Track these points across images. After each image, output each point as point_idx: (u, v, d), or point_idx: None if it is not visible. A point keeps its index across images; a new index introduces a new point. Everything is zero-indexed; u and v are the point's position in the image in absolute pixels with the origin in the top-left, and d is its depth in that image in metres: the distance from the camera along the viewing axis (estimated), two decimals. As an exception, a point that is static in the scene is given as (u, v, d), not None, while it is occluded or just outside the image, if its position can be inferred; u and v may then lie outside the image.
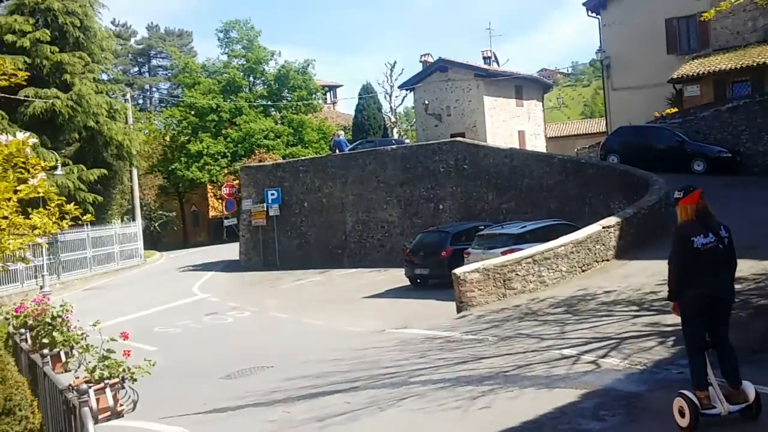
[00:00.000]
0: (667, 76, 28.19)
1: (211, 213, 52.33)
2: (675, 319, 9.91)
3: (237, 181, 38.31)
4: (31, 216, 8.21)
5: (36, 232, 8.28)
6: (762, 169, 21.78)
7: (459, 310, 14.06)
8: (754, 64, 26.24)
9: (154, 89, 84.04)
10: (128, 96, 40.53)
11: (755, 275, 11.75)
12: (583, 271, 15.05)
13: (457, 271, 14.39)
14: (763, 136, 23.50)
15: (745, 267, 12.34)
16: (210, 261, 33.80)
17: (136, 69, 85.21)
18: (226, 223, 41.96)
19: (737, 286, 11.20)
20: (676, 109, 27.38)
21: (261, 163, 33.60)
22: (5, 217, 7.79)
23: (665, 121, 26.17)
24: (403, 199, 26.20)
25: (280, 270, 27.88)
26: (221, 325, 17.39)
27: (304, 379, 9.89)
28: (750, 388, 5.95)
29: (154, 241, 47.56)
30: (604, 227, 15.61)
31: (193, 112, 48.62)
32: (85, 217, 9.09)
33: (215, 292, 24.08)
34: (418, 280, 19.75)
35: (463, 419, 7.10)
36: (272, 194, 29.07)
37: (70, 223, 8.79)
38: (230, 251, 34.24)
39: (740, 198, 18.87)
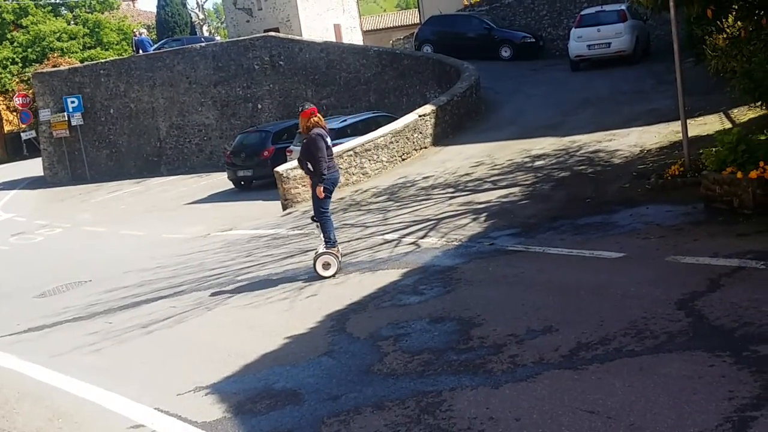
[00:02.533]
0: (472, -35, 28.72)
1: (6, 127, 47.31)
2: (486, 197, 10.65)
3: (31, 90, 34.74)
4: None
5: None
6: (562, 52, 23.17)
7: (284, 208, 14.02)
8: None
9: None
10: None
11: (556, 151, 12.67)
12: (403, 159, 15.45)
13: (280, 168, 14.24)
14: (563, 20, 24.89)
15: (547, 144, 13.33)
16: (11, 179, 30.93)
17: None
18: (24, 136, 38.20)
19: (540, 162, 12.17)
20: (484, -3, 28.14)
21: (56, 69, 30.60)
22: None
23: (474, 9, 26.87)
24: (218, 100, 25.17)
25: (91, 183, 26.10)
26: (30, 245, 16.16)
27: (125, 290, 9.48)
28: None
29: (-59, 162, 42.64)
30: (420, 116, 16.00)
31: (-31, 14, 42.96)
32: None
33: (21, 211, 22.17)
34: (242, 183, 19.33)
35: (291, 309, 7.18)
36: (72, 102, 26.70)
37: None
38: (33, 167, 31.43)
39: (543, 81, 20.11)
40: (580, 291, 6.07)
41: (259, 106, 24.58)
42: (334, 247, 8.25)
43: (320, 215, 8.26)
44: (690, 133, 9.25)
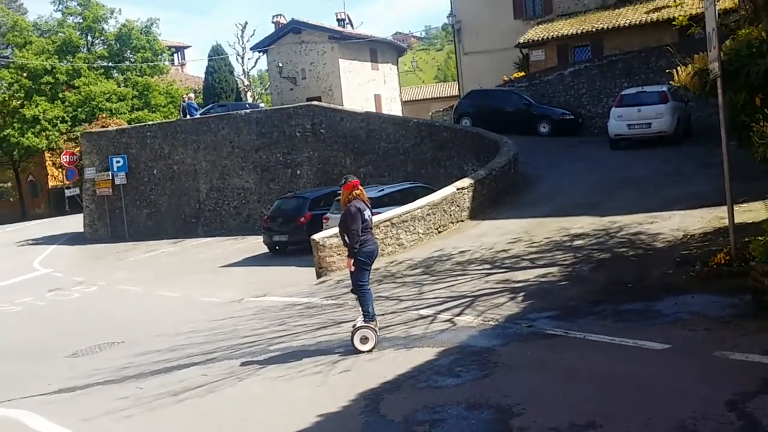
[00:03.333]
0: (514, 41, 29.27)
1: (51, 183, 48.67)
2: (524, 275, 10.50)
3: (78, 149, 35.79)
4: None
5: None
6: (601, 130, 23.24)
7: (319, 276, 14.00)
8: (593, 30, 27.79)
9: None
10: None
11: (596, 231, 12.52)
12: (439, 232, 15.42)
13: (316, 236, 14.29)
14: (602, 99, 25.05)
15: (586, 223, 13.18)
16: (52, 234, 31.59)
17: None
18: (67, 193, 39.12)
19: (580, 242, 12.01)
20: (523, 73, 28.56)
21: (104, 129, 31.54)
22: None
23: (513, 84, 27.23)
24: (259, 165, 25.63)
25: (129, 241, 26.54)
26: (66, 301, 16.34)
27: (157, 354, 9.47)
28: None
29: (-12, 214, 43.77)
30: (458, 189, 16.04)
31: (25, 74, 44.70)
32: None
33: (58, 266, 22.55)
34: (277, 247, 19.47)
35: (323, 384, 7.05)
36: (117, 162, 27.45)
37: None
38: (74, 223, 32.12)
39: (582, 159, 20.10)
40: (624, 383, 5.86)
41: (298, 172, 24.94)
42: (373, 320, 8.17)
43: (358, 288, 8.23)
44: (735, 220, 9.07)
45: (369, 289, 8.34)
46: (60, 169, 45.34)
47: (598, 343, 7.03)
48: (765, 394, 5.17)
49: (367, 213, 8.34)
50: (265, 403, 6.81)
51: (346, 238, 8.23)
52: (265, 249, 19.71)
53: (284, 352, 8.47)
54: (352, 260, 8.17)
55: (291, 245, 18.90)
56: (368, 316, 8.13)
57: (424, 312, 9.40)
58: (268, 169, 25.52)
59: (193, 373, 8.17)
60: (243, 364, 8.25)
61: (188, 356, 9.08)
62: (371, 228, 8.52)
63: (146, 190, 27.74)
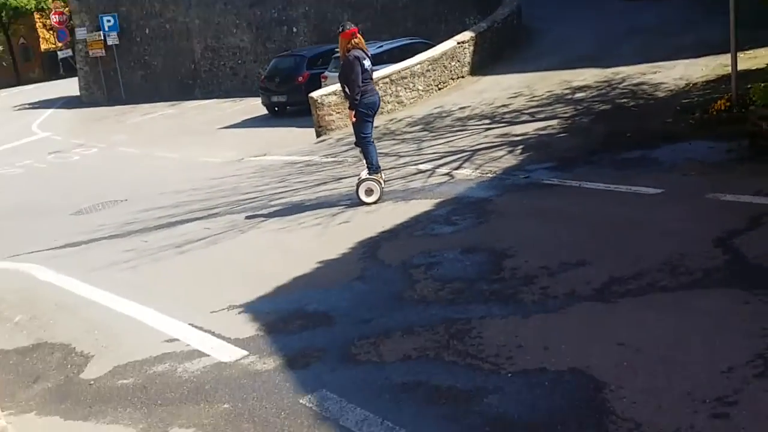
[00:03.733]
0: None
1: (43, 46, 47.57)
2: (523, 129, 10.46)
3: (67, 8, 34.61)
4: None
5: None
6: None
7: (318, 135, 13.95)
8: None
9: None
10: None
11: (598, 83, 12.33)
12: (439, 89, 15.20)
13: (314, 94, 14.11)
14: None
15: (590, 75, 12.98)
16: (48, 98, 31.27)
17: None
18: (60, 55, 38.41)
19: (581, 94, 11.87)
20: None
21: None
22: None
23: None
24: (253, 23, 24.84)
25: (126, 104, 26.26)
26: (67, 163, 16.43)
27: (160, 210, 9.62)
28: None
29: (-19, 79, 43.11)
30: (458, 43, 15.64)
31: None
32: None
33: (57, 130, 22.50)
34: (276, 108, 19.21)
35: (323, 234, 7.22)
36: (108, 21, 26.62)
37: None
38: (69, 87, 31.72)
39: (588, 9, 19.36)
40: (615, 226, 5.98)
41: (295, 30, 24.22)
42: (377, 173, 8.14)
43: (361, 140, 8.12)
44: (739, 67, 8.89)
45: (372, 142, 8.22)
46: (51, 32, 44.11)
47: (593, 191, 7.11)
48: (752, 230, 5.28)
49: (367, 62, 8.05)
50: (267, 253, 7.00)
51: (346, 89, 8.05)
52: (263, 110, 19.49)
53: (285, 207, 8.60)
54: (353, 112, 8.02)
55: (290, 106, 18.65)
56: (372, 168, 8.09)
57: (422, 167, 9.45)
58: (263, 27, 24.77)
59: (196, 227, 8.35)
60: (245, 218, 8.40)
61: (190, 212, 9.23)
62: (372, 78, 8.30)
63: (140, 51, 27.11)
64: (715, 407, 3.29)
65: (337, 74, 16.10)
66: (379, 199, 7.96)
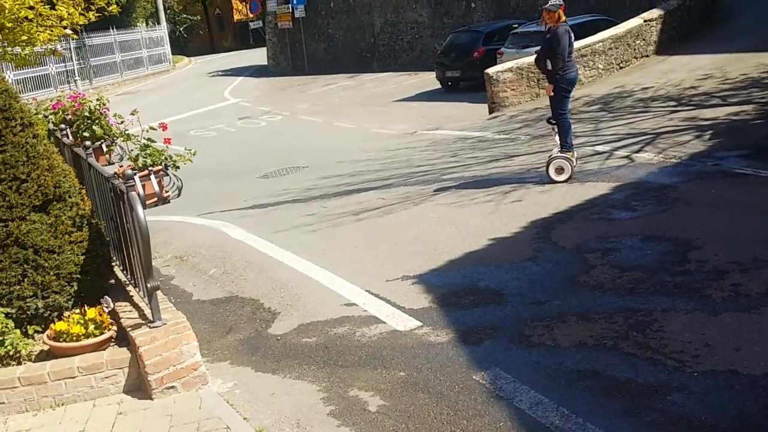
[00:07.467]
0: None
1: (236, 16, 50.78)
2: (713, 113, 9.82)
3: (260, -19, 36.68)
4: (57, 6, 8.01)
5: (63, 23, 8.12)
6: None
7: (491, 111, 13.90)
8: None
9: None
10: None
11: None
12: (620, 68, 14.58)
13: (490, 71, 14.04)
14: None
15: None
16: (238, 66, 33.39)
17: None
18: (251, 26, 40.81)
19: None
20: None
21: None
22: (31, 7, 7.61)
23: None
24: (433, -2, 25.00)
25: (308, 75, 27.49)
26: (255, 129, 17.53)
27: (338, 178, 10.08)
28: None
29: (181, 46, 46.84)
30: (645, 21, 14.87)
31: None
32: (111, 8, 8.86)
33: (246, 96, 24.04)
34: (450, 83, 19.33)
35: (495, 211, 7.24)
36: (297, -6, 27.93)
37: (96, 15, 8.60)
38: (258, 56, 33.63)
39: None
40: (818, 224, 5.53)
41: (473, 5, 24.06)
42: (570, 151, 7.96)
43: (559, 116, 7.97)
44: None
45: (568, 119, 8.03)
46: (244, 3, 46.97)
47: (793, 185, 6.59)
48: None
49: (572, 37, 7.85)
50: (439, 225, 7.14)
51: (548, 63, 7.80)
52: (437, 84, 19.66)
53: (457, 182, 8.71)
54: (551, 86, 7.85)
55: (463, 81, 18.70)
56: (566, 146, 7.93)
57: (599, 148, 9.18)
58: (441, 2, 24.82)
59: (371, 196, 8.68)
60: (417, 190, 8.60)
61: (366, 181, 9.59)
62: (573, 54, 8.04)
63: (324, 23, 28.19)
64: None
65: (513, 51, 16.18)
66: (569, 178, 7.78)
